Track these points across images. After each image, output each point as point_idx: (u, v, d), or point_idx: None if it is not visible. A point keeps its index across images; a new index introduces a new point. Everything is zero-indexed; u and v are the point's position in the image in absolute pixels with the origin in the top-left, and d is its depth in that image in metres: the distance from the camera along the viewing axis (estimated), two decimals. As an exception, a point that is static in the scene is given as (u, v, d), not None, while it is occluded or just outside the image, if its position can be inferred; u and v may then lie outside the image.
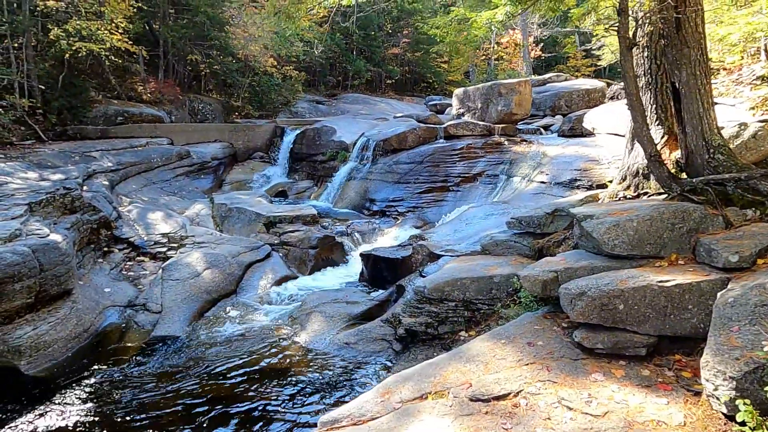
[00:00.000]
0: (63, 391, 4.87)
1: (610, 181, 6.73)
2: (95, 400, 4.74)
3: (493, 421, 3.00)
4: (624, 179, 5.87)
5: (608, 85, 15.34)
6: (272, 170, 14.29)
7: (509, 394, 3.23)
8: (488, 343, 3.90)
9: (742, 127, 5.72)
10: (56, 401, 4.71)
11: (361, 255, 7.68)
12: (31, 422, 4.40)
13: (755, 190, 4.45)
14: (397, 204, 10.72)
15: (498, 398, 3.22)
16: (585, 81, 16.69)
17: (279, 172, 14.20)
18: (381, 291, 6.82)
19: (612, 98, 13.92)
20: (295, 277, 7.85)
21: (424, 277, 5.94)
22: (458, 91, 14.32)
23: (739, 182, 4.51)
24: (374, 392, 3.58)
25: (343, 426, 3.30)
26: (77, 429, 4.33)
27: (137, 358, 5.55)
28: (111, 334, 6.04)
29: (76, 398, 4.77)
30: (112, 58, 12.80)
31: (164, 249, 7.94)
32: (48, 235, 6.03)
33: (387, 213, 10.58)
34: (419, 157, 11.45)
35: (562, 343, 3.75)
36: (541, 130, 12.98)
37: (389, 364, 5.15)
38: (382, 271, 7.24)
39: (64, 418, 4.46)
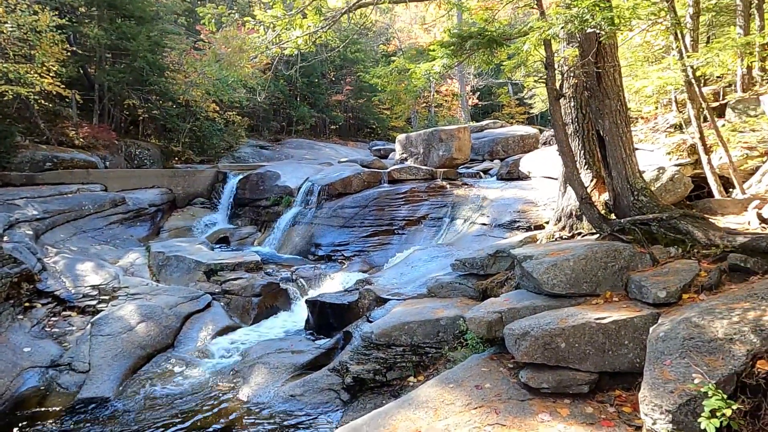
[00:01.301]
0: (-31, 469, 4.34)
1: (547, 222, 7.04)
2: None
3: (444, 471, 2.93)
4: (559, 220, 6.16)
5: (540, 131, 16.28)
6: (214, 216, 13.90)
7: (459, 440, 3.19)
8: (437, 389, 3.87)
9: (661, 171, 6.20)
10: (-40, 481, 4.18)
11: (307, 302, 7.52)
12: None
13: (676, 229, 4.78)
14: (342, 248, 10.66)
15: (448, 446, 3.16)
16: (519, 127, 17.65)
17: (221, 219, 13.83)
18: (327, 339, 6.65)
19: (545, 143, 14.75)
20: (238, 327, 7.53)
21: (371, 322, 5.86)
22: (401, 136, 14.71)
23: (661, 222, 4.84)
24: (321, 448, 3.43)
25: (289, 487, 3.11)
26: None
27: (57, 425, 5.05)
28: (30, 399, 5.49)
29: (-15, 475, 4.25)
30: (42, 101, 12.25)
31: (94, 302, 7.42)
32: (-41, 291, 5.51)
33: (333, 258, 10.48)
34: (364, 201, 11.54)
35: (509, 384, 3.78)
36: (481, 173, 13.49)
37: (337, 415, 4.97)
38: (328, 318, 7.10)
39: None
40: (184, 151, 17.39)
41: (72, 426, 5.01)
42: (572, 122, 5.98)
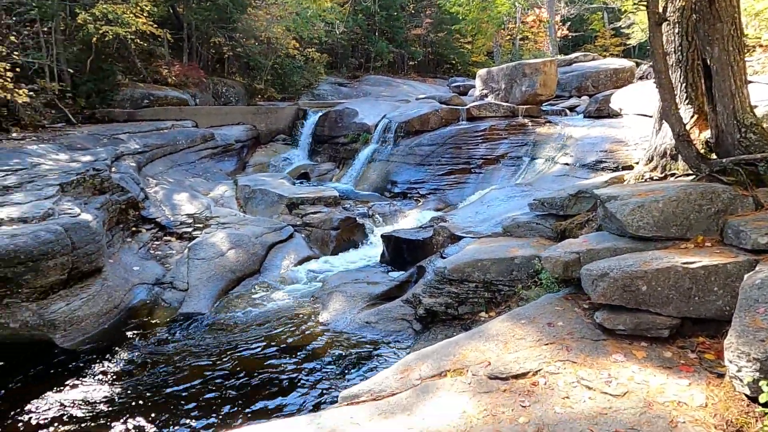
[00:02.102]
0: (95, 364, 5.08)
1: (637, 163, 6.59)
2: (124, 374, 4.93)
3: (511, 399, 3.02)
4: (651, 160, 5.74)
5: (637, 64, 14.90)
6: (294, 153, 14.38)
7: (528, 372, 3.25)
8: (508, 323, 3.91)
9: (777, 106, 5.52)
10: (88, 373, 4.91)
11: (383, 236, 7.73)
12: (64, 393, 4.60)
13: (789, 171, 4.30)
14: (418, 186, 10.70)
15: (517, 377, 3.23)
16: (613, 60, 16.23)
17: (301, 155, 14.29)
18: (401, 272, 6.86)
19: (641, 78, 13.52)
20: (317, 258, 7.96)
21: (444, 258, 5.95)
22: (481, 71, 14.10)
23: (771, 162, 4.37)
24: (394, 369, 3.63)
25: (363, 401, 3.36)
26: (107, 400, 4.52)
27: (164, 333, 5.73)
28: (140, 311, 6.24)
29: (107, 371, 4.97)
30: (138, 41, 12.97)
31: (190, 229, 8.12)
32: (79, 214, 6.23)
33: (408, 195, 10.57)
34: (441, 139, 11.37)
35: (582, 324, 3.74)
36: (566, 111, 12.72)
37: (409, 343, 5.21)
38: (402, 253, 7.28)
39: (94, 390, 4.65)
40: (267, 88, 17.85)
41: (175, 335, 5.66)
42: (674, 51, 5.40)
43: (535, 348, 3.50)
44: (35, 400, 4.48)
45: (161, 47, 15.29)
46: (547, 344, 3.53)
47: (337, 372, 4.82)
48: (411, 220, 9.04)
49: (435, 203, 9.85)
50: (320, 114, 14.75)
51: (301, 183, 11.94)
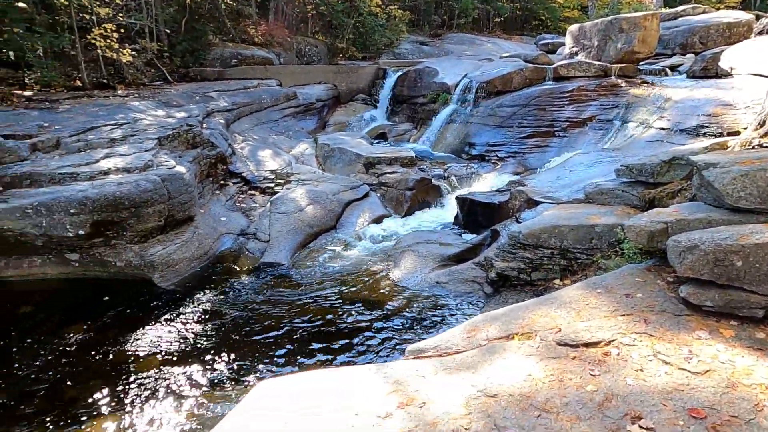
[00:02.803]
0: (186, 304, 5.58)
1: (744, 128, 5.96)
2: (211, 314, 5.38)
3: (580, 366, 2.96)
4: (761, 125, 5.16)
5: (757, 17, 13.18)
6: (373, 112, 14.43)
7: (600, 342, 3.15)
8: (582, 292, 3.79)
9: None
10: (181, 311, 5.42)
11: (457, 198, 7.66)
12: (159, 327, 5.13)
13: None
14: (497, 149, 10.40)
15: (588, 345, 3.15)
16: (727, 13, 14.47)
17: (380, 115, 14.31)
18: (474, 235, 6.80)
19: (760, 33, 11.99)
20: (391, 217, 8.07)
21: (520, 222, 5.81)
22: (573, 27, 13.16)
23: None
24: (461, 328, 3.67)
25: (429, 356, 3.45)
26: (196, 335, 4.98)
27: (247, 280, 6.15)
28: (226, 258, 6.71)
29: (196, 310, 5.45)
30: (228, 1, 13.41)
31: (272, 184, 8.51)
32: (174, 166, 6.72)
33: (486, 158, 10.33)
34: (524, 100, 10.89)
35: (664, 298, 3.54)
36: (667, 70, 11.62)
37: (478, 305, 5.21)
38: (477, 216, 7.19)
39: (186, 325, 5.14)
40: (348, 47, 17.88)
41: (256, 282, 6.06)
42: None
43: (609, 318, 3.38)
44: (135, 332, 5.03)
45: (249, 7, 15.71)
46: (623, 315, 3.39)
47: (404, 327, 4.96)
48: (487, 183, 8.86)
49: (513, 167, 9.55)
50: (400, 73, 14.60)
51: (378, 143, 12.01)
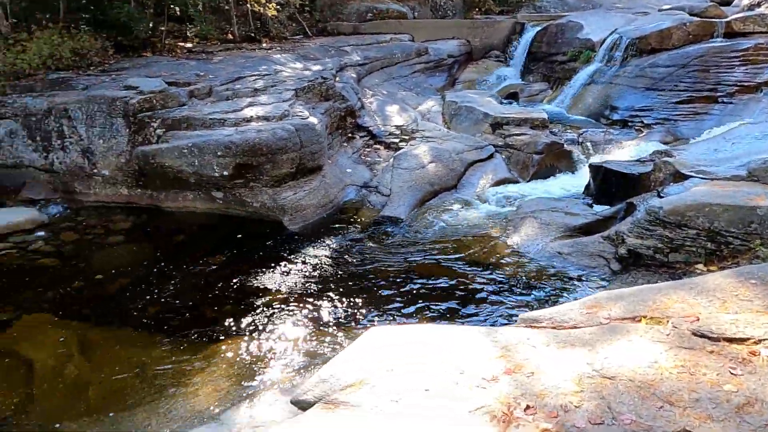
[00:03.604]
0: (311, 246, 5.98)
1: None
2: (332, 258, 5.70)
3: (718, 362, 2.64)
4: None
5: None
6: (506, 71, 13.73)
7: (748, 339, 2.77)
8: (732, 280, 3.33)
9: None
10: (306, 253, 5.83)
11: (591, 166, 7.09)
12: (286, 265, 5.57)
13: None
14: (643, 114, 9.34)
15: (731, 340, 2.79)
16: None
17: (512, 73, 13.58)
18: (606, 207, 6.28)
19: None
20: (515, 181, 7.75)
21: (662, 197, 5.22)
22: (759, -27, 11.09)
23: None
24: (580, 303, 3.46)
25: (543, 326, 3.31)
26: (316, 277, 5.33)
27: (367, 230, 6.38)
28: (348, 208, 7.01)
29: (320, 253, 5.81)
30: (367, -47, 13.42)
31: (397, 140, 8.60)
32: (308, 117, 7.07)
33: (629, 123, 9.35)
34: (684, 59, 9.55)
35: (841, 299, 2.97)
36: None
37: (602, 282, 4.87)
38: (611, 186, 6.60)
39: (308, 267, 5.52)
40: (485, 0, 17.03)
41: (375, 233, 6.27)
42: None
43: (763, 314, 2.94)
44: (265, 267, 5.53)
45: (387, -41, 15.59)
46: (781, 313, 2.92)
47: (517, 294, 4.82)
48: (627, 151, 8.05)
49: (661, 135, 8.53)
50: (538, 29, 13.60)
51: (509, 103, 11.46)
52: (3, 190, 7.47)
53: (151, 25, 10.45)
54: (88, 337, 4.38)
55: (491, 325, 4.11)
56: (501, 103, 10.84)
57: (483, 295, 4.81)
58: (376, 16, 13.89)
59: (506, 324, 4.04)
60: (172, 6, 11.43)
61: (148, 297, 5.02)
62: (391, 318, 4.57)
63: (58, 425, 3.37)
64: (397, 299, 4.87)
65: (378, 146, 8.64)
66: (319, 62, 10.04)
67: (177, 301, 4.95)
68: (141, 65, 8.80)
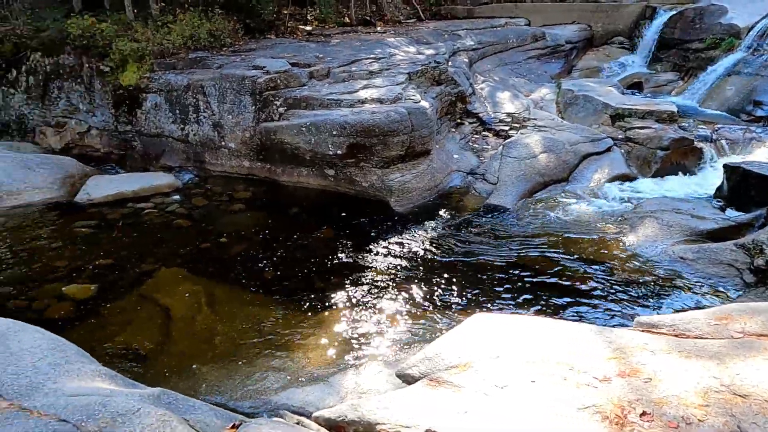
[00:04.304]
0: (416, 228, 6.08)
1: None
2: (436, 241, 5.76)
3: None
4: None
5: None
6: (630, 58, 12.74)
7: None
8: None
9: None
10: (411, 234, 5.94)
11: (725, 166, 6.42)
12: (391, 245, 5.73)
13: None
14: (795, 111, 8.24)
15: None
16: None
17: (638, 61, 12.56)
18: (741, 213, 5.69)
19: None
20: (634, 178, 7.25)
21: (814, 206, 4.62)
22: None
23: None
24: (708, 313, 3.21)
25: (662, 333, 3.12)
26: (418, 259, 5.43)
27: (471, 217, 6.35)
28: (453, 194, 7.01)
29: (424, 236, 5.90)
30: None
31: (506, 128, 8.39)
32: (419, 101, 7.13)
33: (777, 121, 8.30)
34: None
35: None
36: None
37: (732, 293, 4.44)
38: (749, 190, 5.95)
39: (411, 248, 5.63)
40: (612, -18, 15.84)
41: (480, 221, 6.23)
42: None
43: None
44: (370, 244, 5.74)
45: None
46: None
47: (631, 297, 4.55)
48: (772, 152, 7.18)
49: (816, 136, 7.49)
50: (673, 13, 12.39)
51: (632, 93, 10.66)
52: (147, 156, 8.44)
53: (275, 8, 11.06)
54: (214, 292, 4.87)
55: (601, 324, 3.94)
56: (623, 93, 10.11)
57: (593, 293, 4.61)
58: (491, 0, 13.53)
59: (619, 326, 3.85)
60: (294, -11, 12.01)
61: (264, 262, 5.44)
62: (494, 307, 4.54)
63: (194, 366, 3.81)
64: (501, 289, 4.83)
65: (486, 133, 8.50)
66: (432, 46, 10.02)
67: (289, 269, 5.32)
68: (267, 46, 9.39)
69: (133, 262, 5.45)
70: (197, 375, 3.72)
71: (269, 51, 8.98)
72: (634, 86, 11.31)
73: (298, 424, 2.66)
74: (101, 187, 7.15)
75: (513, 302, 4.61)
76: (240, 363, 3.86)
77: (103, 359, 2.84)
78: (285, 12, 11.39)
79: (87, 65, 8.89)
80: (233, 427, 2.22)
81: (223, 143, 7.67)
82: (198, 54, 8.62)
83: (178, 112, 7.95)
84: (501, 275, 5.03)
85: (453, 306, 4.61)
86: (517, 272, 5.07)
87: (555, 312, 4.38)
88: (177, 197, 7.12)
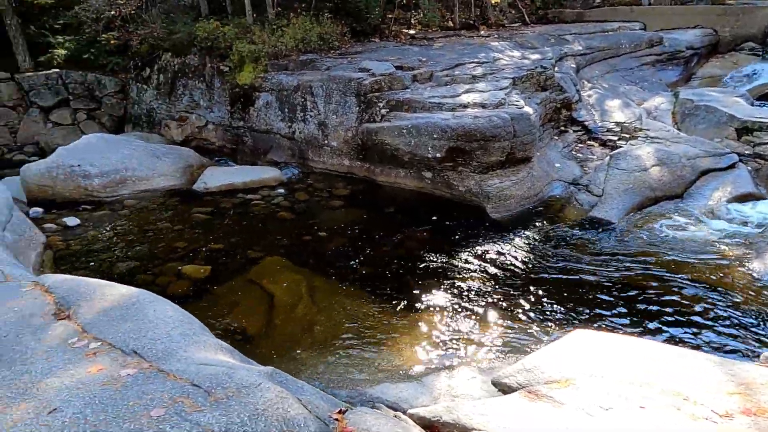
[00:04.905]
0: (512, 237, 5.96)
1: None
2: (533, 251, 5.60)
3: None
4: None
5: None
6: (761, 66, 11.49)
7: None
8: None
9: None
10: (507, 242, 5.83)
11: None
12: (485, 252, 5.65)
13: None
14: None
15: None
16: None
17: (771, 69, 11.33)
18: None
19: None
20: (762, 198, 6.55)
21: None
22: None
23: None
24: None
25: (801, 372, 2.82)
26: (513, 268, 5.30)
27: (571, 230, 6.09)
28: (553, 204, 6.77)
29: (521, 245, 5.76)
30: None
31: (615, 138, 7.95)
32: (523, 107, 6.97)
33: None
34: None
35: None
36: None
37: None
38: None
39: (509, 256, 5.52)
40: (745, -18, 14.41)
41: (580, 234, 5.96)
42: None
43: None
44: (464, 249, 5.71)
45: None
46: None
47: (756, 329, 4.13)
48: None
49: None
50: (820, 16, 11.04)
51: (761, 105, 9.64)
52: (255, 151, 9.04)
53: (381, 12, 11.34)
54: (314, 283, 5.11)
55: (719, 356, 3.62)
56: (752, 104, 9.17)
57: (709, 321, 4.24)
58: (604, 3, 12.89)
59: (740, 358, 3.51)
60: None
61: (361, 258, 5.62)
62: (594, 324, 4.33)
63: (297, 352, 4.04)
64: (602, 306, 4.59)
65: (592, 142, 8.11)
66: (538, 51, 9.75)
67: (384, 267, 5.44)
68: (371, 49, 9.67)
69: (241, 248, 5.87)
70: (298, 360, 3.94)
71: (374, 54, 9.23)
72: (766, 97, 10.21)
73: (395, 417, 2.73)
74: (216, 177, 7.77)
75: (615, 322, 4.37)
76: (337, 353, 4.02)
77: (215, 336, 3.09)
78: (390, 16, 11.64)
79: (209, 65, 9.71)
80: (340, 412, 2.33)
81: (326, 142, 8.01)
82: (308, 56, 9.07)
83: (286, 110, 8.42)
84: (602, 292, 4.79)
85: (549, 319, 4.47)
86: (620, 291, 4.79)
87: (665, 336, 4.09)
88: (282, 191, 7.56)
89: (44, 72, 11.20)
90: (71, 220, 6.55)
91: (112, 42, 11.05)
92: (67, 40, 11.56)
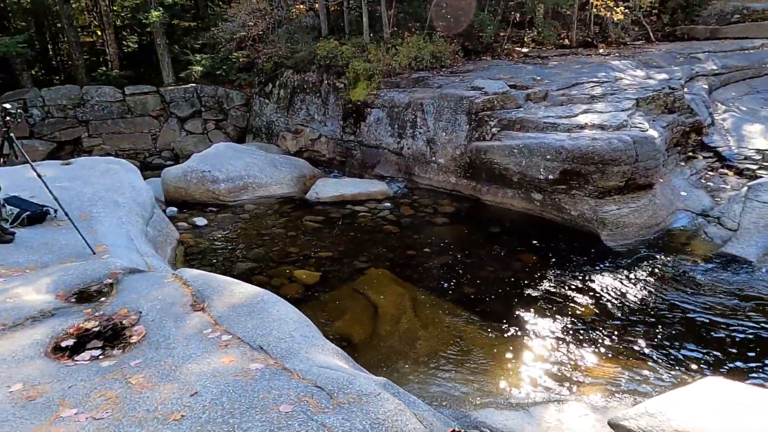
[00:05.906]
0: (629, 268, 5.56)
1: None
2: (653, 286, 5.18)
3: None
4: None
5: None
6: None
7: None
8: None
9: None
10: (622, 274, 5.45)
11: None
12: (598, 283, 5.32)
13: None
14: None
15: None
16: None
17: None
18: None
19: None
20: None
21: None
22: None
23: None
24: None
25: None
26: (633, 301, 4.93)
27: (700, 265, 5.56)
28: (677, 236, 6.23)
29: (638, 277, 5.36)
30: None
31: (754, 166, 7.16)
32: (647, 130, 6.53)
33: None
34: None
35: None
36: None
37: None
38: None
39: (625, 289, 5.16)
40: None
41: (711, 271, 5.41)
42: None
43: None
44: (573, 278, 5.42)
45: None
46: None
47: None
48: None
49: None
50: None
51: None
52: (363, 164, 9.35)
53: (494, 31, 11.26)
54: (417, 297, 5.14)
55: None
56: None
57: None
58: (745, 18, 11.71)
59: None
60: (513, 12, 12.07)
61: (465, 277, 5.56)
62: (724, 372, 3.90)
63: (401, 364, 4.09)
64: (736, 354, 4.12)
65: (725, 171, 7.37)
66: (664, 70, 9.08)
67: (488, 287, 5.34)
68: (483, 68, 9.62)
69: (348, 258, 6.08)
70: (401, 372, 3.98)
71: (485, 72, 9.18)
72: None
73: (506, 446, 2.65)
74: (327, 188, 8.15)
75: (749, 373, 3.90)
76: (439, 371, 4.00)
77: (325, 340, 3.23)
78: (502, 34, 11.51)
79: (326, 81, 10.26)
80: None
81: (433, 158, 8.08)
82: (420, 74, 9.25)
83: (396, 126, 8.64)
84: (736, 339, 4.30)
85: (671, 362, 4.09)
86: (757, 336, 4.27)
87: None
88: (388, 204, 7.74)
89: (183, 86, 12.56)
90: (200, 220, 7.22)
91: (241, 60, 12.11)
92: (203, 58, 12.88)
